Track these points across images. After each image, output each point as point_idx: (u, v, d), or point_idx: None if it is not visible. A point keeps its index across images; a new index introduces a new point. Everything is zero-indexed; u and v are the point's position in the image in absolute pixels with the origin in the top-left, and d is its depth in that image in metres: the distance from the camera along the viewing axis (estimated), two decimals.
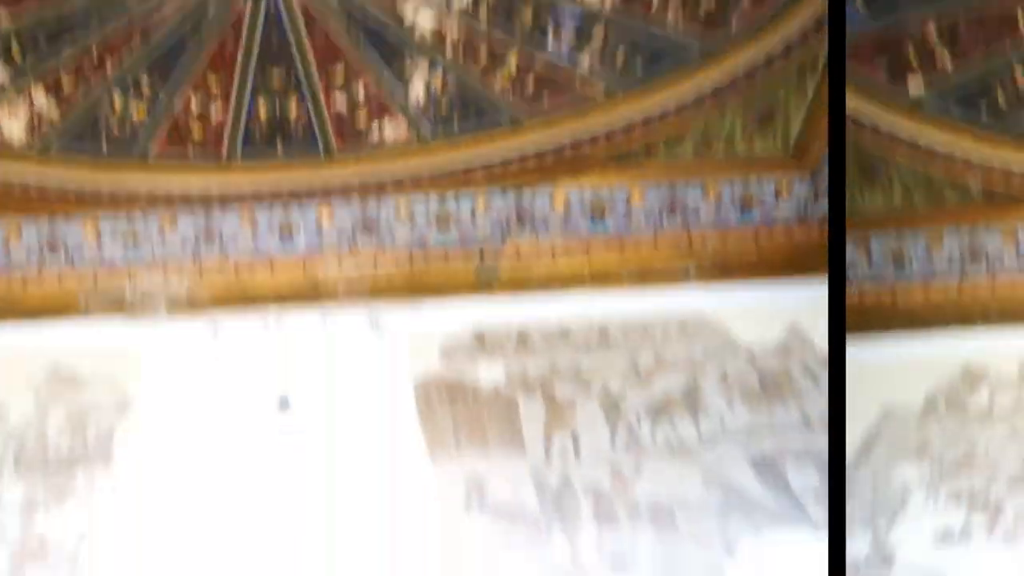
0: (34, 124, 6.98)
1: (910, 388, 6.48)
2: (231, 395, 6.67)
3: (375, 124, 7.27)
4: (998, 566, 5.54)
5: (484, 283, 7.33)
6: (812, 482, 6.06)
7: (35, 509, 5.96)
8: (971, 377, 6.52)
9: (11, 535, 5.83)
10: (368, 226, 7.26)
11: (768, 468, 6.20)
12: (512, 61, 7.01)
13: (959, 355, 6.60)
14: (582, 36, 6.90)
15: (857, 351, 5.92)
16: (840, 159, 5.50)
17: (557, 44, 6.93)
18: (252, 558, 5.73)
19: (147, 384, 6.67)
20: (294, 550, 5.79)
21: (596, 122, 7.17)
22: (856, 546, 5.69)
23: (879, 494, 5.96)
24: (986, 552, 5.62)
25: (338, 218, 7.25)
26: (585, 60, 7.00)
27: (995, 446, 6.11)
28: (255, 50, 6.95)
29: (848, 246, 6.58)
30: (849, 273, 6.68)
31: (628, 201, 7.25)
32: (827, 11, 5.98)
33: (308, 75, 7.05)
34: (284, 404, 6.64)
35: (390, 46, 7.00)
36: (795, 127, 7.02)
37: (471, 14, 6.82)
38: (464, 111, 7.17)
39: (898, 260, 6.83)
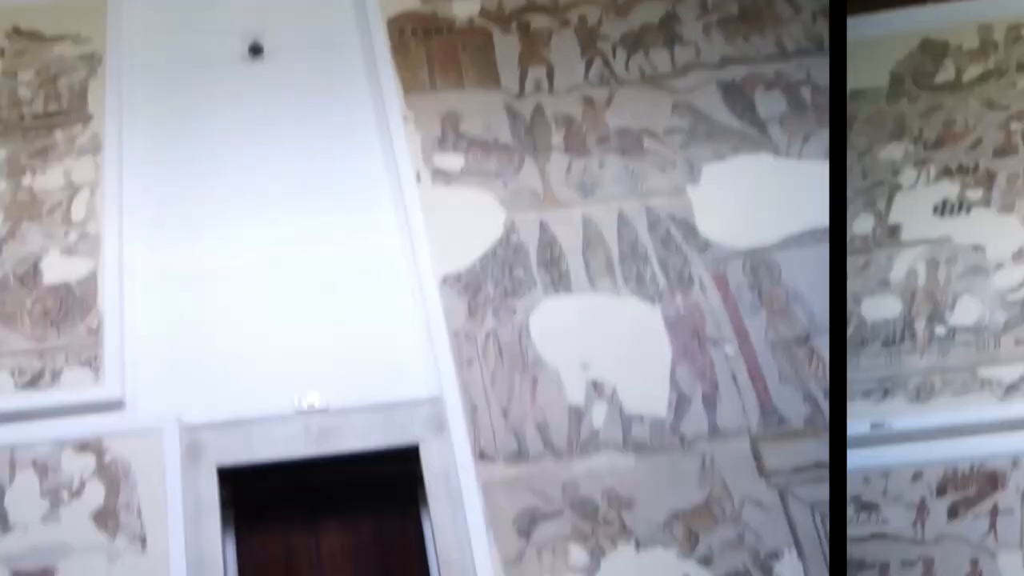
0: None
1: (872, 68, 6.15)
2: (202, 45, 6.58)
3: None
4: (998, 229, 5.64)
5: None
6: (778, 109, 6.10)
7: (21, 169, 6.06)
8: (932, 51, 6.19)
9: (1, 193, 5.99)
10: None
11: (737, 95, 6.20)
12: None
13: (915, 30, 6.22)
14: None
15: None
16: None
17: None
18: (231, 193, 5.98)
19: (113, 37, 6.54)
20: (273, 195, 6.00)
21: None
22: (860, 225, 5.73)
23: (870, 177, 5.92)
24: (986, 217, 5.69)
25: None
26: None
27: (973, 118, 6.00)
28: None
29: None
30: None
31: None
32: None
33: None
34: (256, 50, 6.56)
35: None
36: None
37: None
38: None
39: None
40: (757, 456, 5.58)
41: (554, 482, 5.43)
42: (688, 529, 5.40)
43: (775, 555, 5.38)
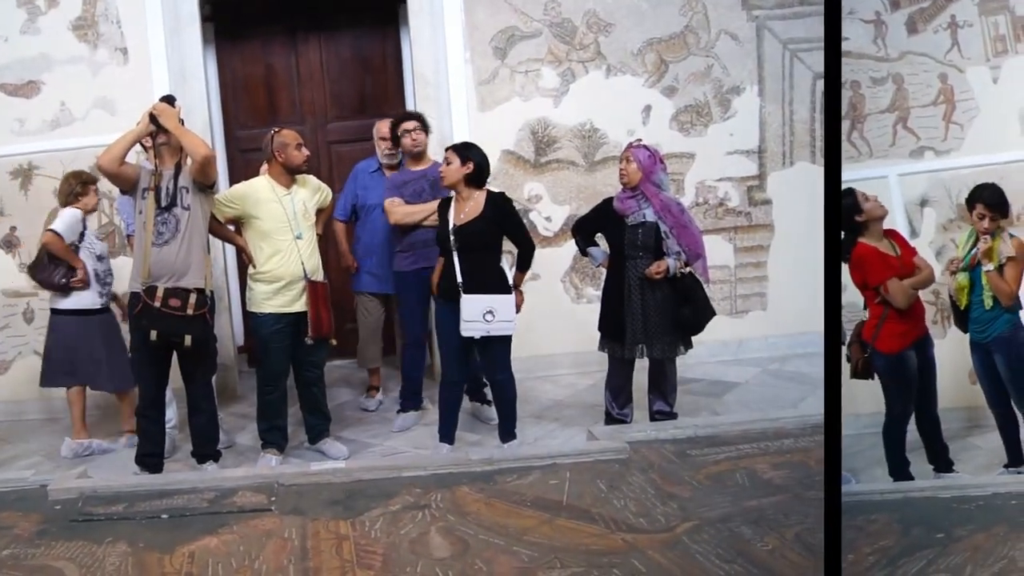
0: None
1: None
2: None
3: None
4: None
5: None
6: None
7: None
8: None
9: None
10: None
11: None
12: None
13: None
14: None
15: None
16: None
17: None
18: None
19: None
20: None
21: None
22: None
23: None
24: None
25: None
26: None
27: None
28: None
29: None
30: None
31: None
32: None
33: None
34: None
35: None
36: None
37: None
38: None
39: None
40: None
41: (536, 1, 5.41)
42: (660, 58, 5.46)
43: (736, 90, 5.54)
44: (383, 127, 4.95)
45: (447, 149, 4.24)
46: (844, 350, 4.12)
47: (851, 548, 3.36)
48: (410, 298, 4.71)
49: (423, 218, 4.55)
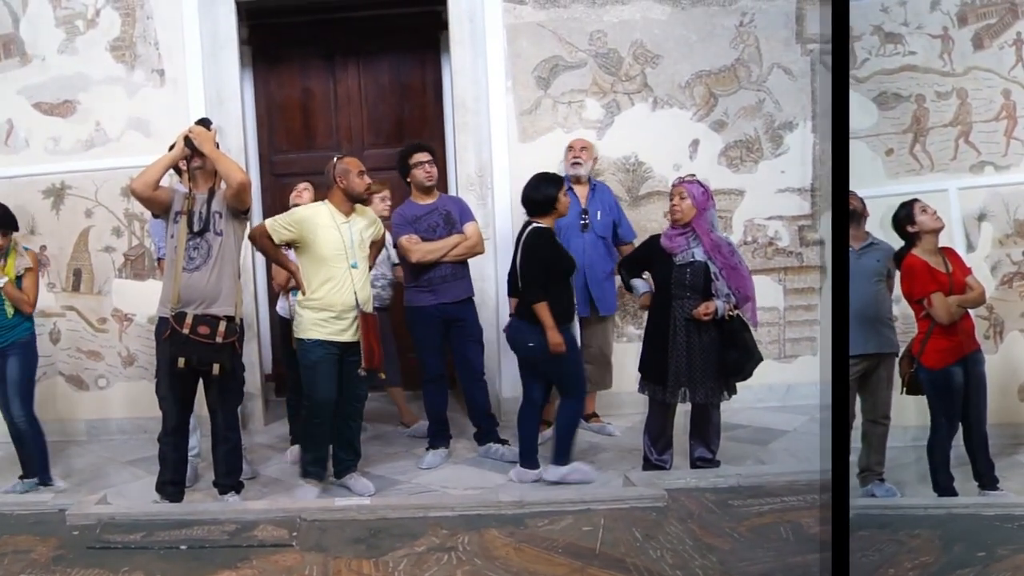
0: None
1: None
2: None
3: None
4: None
5: None
6: None
7: None
8: None
9: None
10: None
11: None
12: None
13: None
14: None
15: None
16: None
17: None
18: None
19: None
20: None
21: None
22: None
23: None
24: None
25: None
26: None
27: None
28: None
29: None
30: None
31: None
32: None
33: None
34: None
35: None
36: None
37: None
38: None
39: None
40: (800, 18, 5.34)
41: (582, 31, 5.30)
42: (709, 91, 5.31)
43: (789, 125, 5.37)
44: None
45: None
46: (896, 363, 4.17)
47: (892, 562, 3.29)
48: (428, 334, 4.59)
49: (444, 255, 4.49)
